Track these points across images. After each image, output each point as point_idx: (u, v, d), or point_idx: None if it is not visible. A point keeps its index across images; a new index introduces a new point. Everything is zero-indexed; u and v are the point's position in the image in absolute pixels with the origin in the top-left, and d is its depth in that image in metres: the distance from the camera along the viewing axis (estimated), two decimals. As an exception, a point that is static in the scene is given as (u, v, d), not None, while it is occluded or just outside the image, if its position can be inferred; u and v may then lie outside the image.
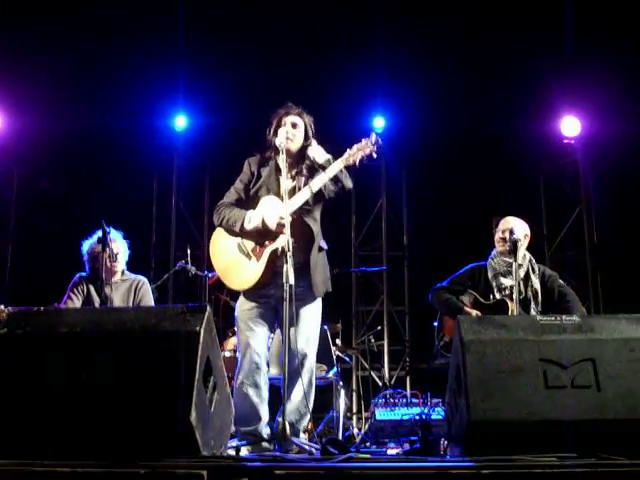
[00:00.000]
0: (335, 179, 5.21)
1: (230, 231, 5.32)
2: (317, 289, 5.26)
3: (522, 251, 6.25)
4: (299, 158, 5.41)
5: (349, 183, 5.33)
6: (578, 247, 10.83)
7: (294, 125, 5.36)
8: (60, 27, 9.46)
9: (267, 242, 5.16)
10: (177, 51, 9.91)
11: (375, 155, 5.24)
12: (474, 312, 6.21)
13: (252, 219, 5.21)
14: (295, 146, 5.35)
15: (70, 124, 9.91)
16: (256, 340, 5.25)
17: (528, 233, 6.41)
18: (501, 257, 6.34)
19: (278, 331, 5.60)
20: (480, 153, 10.47)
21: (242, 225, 5.23)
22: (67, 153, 10.21)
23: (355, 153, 5.18)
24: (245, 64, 10.11)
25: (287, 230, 4.87)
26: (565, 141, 10.73)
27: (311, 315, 5.32)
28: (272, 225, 5.12)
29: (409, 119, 10.70)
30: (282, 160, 5.14)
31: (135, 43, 9.71)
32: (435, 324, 6.56)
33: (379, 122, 10.94)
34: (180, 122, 11.00)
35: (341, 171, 5.22)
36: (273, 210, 5.16)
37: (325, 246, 5.40)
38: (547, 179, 11.26)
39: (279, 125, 5.36)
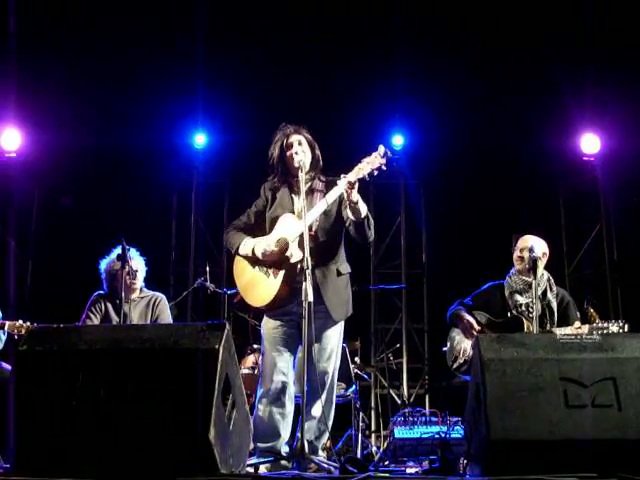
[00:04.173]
0: (358, 218, 5.21)
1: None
2: (335, 314, 5.27)
3: (540, 269, 6.23)
4: (313, 174, 5.46)
5: (370, 234, 5.35)
6: (598, 265, 10.75)
7: (300, 143, 5.42)
8: (79, 45, 9.52)
9: (283, 259, 5.19)
10: (197, 69, 9.94)
11: (385, 167, 5.22)
12: (471, 318, 6.23)
13: (247, 244, 5.35)
14: (309, 161, 5.39)
15: (90, 142, 9.96)
16: (282, 359, 5.27)
17: (547, 251, 6.38)
18: (519, 275, 6.33)
19: (301, 348, 5.61)
20: (499, 170, 10.45)
21: (237, 249, 5.39)
22: (87, 171, 10.26)
23: (365, 167, 5.16)
24: (264, 82, 10.14)
25: (306, 248, 4.87)
26: (585, 158, 10.68)
27: (333, 334, 5.33)
28: (259, 253, 5.25)
29: (428, 137, 10.69)
30: (302, 178, 5.17)
31: (155, 61, 9.76)
32: (444, 349, 6.54)
33: (398, 140, 10.92)
34: (200, 140, 11.04)
35: (368, 218, 5.22)
36: (287, 229, 5.22)
37: (347, 270, 5.42)
38: (567, 196, 11.20)
39: (288, 147, 5.40)
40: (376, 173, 5.22)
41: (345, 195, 5.09)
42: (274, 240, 5.25)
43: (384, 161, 5.20)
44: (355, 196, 5.06)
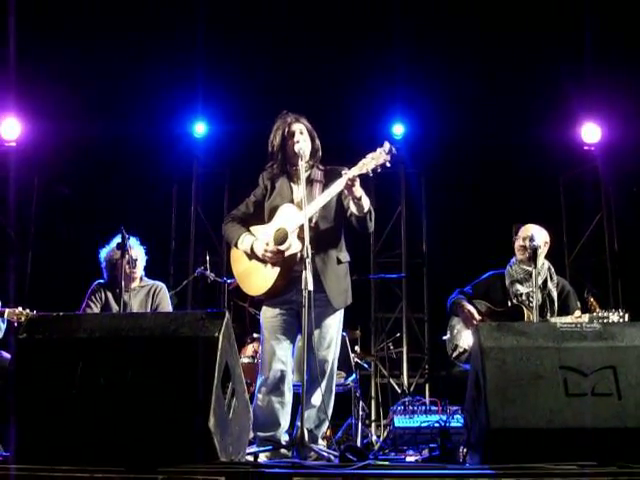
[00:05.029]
0: (361, 213, 5.20)
1: None
2: (335, 301, 5.27)
3: (541, 259, 6.23)
4: (312, 163, 5.45)
5: (371, 226, 5.34)
6: (598, 254, 10.74)
7: (301, 132, 5.40)
8: (79, 34, 9.50)
9: (280, 248, 5.19)
10: (196, 58, 9.91)
11: (389, 164, 5.17)
12: (472, 308, 6.24)
13: (245, 241, 5.35)
14: (308, 151, 5.38)
15: (90, 131, 9.94)
16: (281, 348, 5.27)
17: (548, 240, 6.39)
18: (520, 265, 6.33)
19: (300, 337, 5.60)
20: (500, 160, 10.43)
21: (236, 244, 5.39)
22: (87, 160, 10.25)
23: (369, 162, 5.10)
24: (264, 71, 10.13)
25: (306, 236, 4.86)
26: (585, 148, 10.67)
27: (332, 322, 5.33)
28: (259, 253, 5.24)
29: (428, 126, 10.68)
30: (302, 167, 5.16)
31: (154, 50, 9.75)
32: (444, 337, 6.55)
33: (398, 129, 10.93)
34: (200, 129, 11.04)
35: (370, 212, 5.21)
36: (287, 220, 5.22)
37: (346, 258, 5.42)
38: (567, 186, 11.19)
39: (290, 136, 5.38)
40: (380, 170, 5.18)
41: (347, 191, 5.08)
42: (273, 231, 5.24)
43: (389, 157, 5.14)
44: (358, 191, 5.05)
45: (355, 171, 5.07)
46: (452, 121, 10.21)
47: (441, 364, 8.22)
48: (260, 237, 5.29)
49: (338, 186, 5.13)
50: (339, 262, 5.33)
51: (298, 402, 5.02)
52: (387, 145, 5.16)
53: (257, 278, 5.29)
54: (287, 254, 5.15)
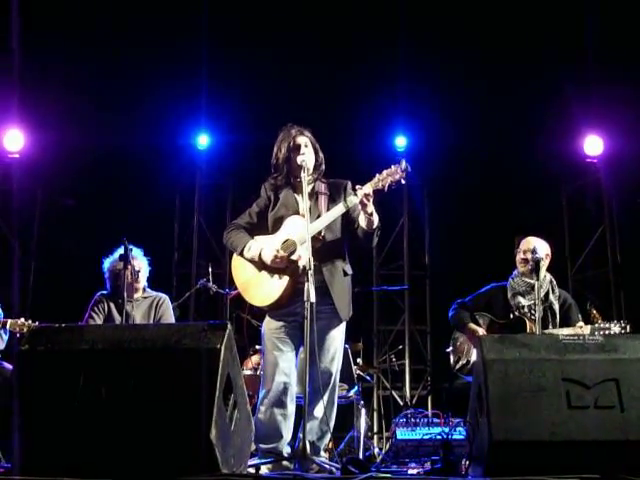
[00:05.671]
0: (370, 228, 5.20)
1: None
2: (342, 313, 5.27)
3: (543, 271, 6.22)
4: (315, 176, 5.45)
5: (375, 240, 5.35)
6: (601, 267, 10.73)
7: (306, 145, 5.41)
8: (83, 46, 9.53)
9: (292, 258, 5.18)
10: (200, 70, 9.95)
11: (404, 181, 5.18)
12: (478, 329, 6.24)
13: (252, 248, 5.30)
14: (312, 164, 5.38)
15: (93, 142, 9.96)
16: (285, 360, 5.25)
17: (549, 253, 6.39)
18: (522, 277, 6.33)
19: (302, 348, 5.59)
20: (502, 172, 10.43)
21: (242, 251, 5.33)
22: (90, 171, 10.25)
23: (384, 178, 5.12)
24: (267, 83, 10.13)
25: (309, 248, 4.86)
26: (588, 160, 10.67)
27: (336, 334, 5.32)
28: (268, 260, 5.20)
29: (431, 138, 10.68)
30: (305, 179, 5.18)
31: (158, 61, 9.77)
32: (448, 350, 6.54)
33: (401, 141, 10.93)
34: (202, 141, 11.04)
35: (378, 228, 5.23)
36: (295, 232, 5.21)
37: (350, 271, 5.41)
38: (569, 198, 11.18)
39: (295, 148, 5.38)
40: (394, 186, 5.18)
41: (360, 206, 5.09)
42: (280, 242, 5.23)
43: (404, 175, 5.15)
44: (371, 207, 5.07)
45: (371, 186, 5.08)
46: (454, 133, 10.22)
47: (444, 376, 8.21)
48: (266, 246, 5.29)
49: (351, 202, 5.15)
50: (345, 274, 5.33)
51: (300, 414, 5.01)
52: (403, 163, 5.17)
53: (263, 289, 5.26)
54: (298, 264, 5.13)
